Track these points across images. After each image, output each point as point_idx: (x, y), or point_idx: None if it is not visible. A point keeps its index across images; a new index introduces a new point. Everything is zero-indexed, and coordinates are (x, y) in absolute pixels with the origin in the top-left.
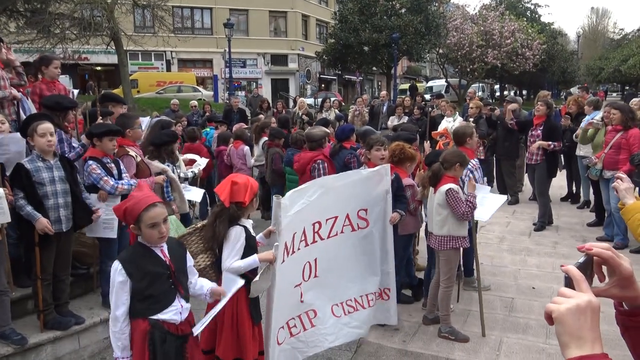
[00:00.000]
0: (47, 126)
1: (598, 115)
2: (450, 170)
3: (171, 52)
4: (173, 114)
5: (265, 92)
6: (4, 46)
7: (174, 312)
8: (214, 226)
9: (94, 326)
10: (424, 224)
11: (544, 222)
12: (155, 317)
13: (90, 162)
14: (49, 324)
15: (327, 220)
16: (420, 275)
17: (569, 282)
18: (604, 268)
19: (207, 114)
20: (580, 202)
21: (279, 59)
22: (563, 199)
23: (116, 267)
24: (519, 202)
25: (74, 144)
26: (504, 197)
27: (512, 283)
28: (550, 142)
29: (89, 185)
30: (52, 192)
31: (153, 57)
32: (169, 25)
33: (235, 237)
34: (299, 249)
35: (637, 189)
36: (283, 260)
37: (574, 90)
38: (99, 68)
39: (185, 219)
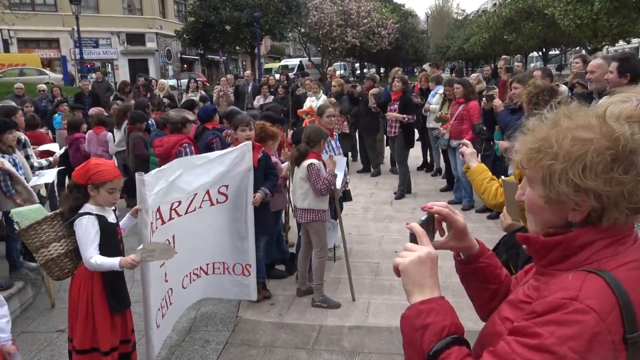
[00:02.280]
0: None
1: (440, 90)
2: (315, 146)
3: (8, 30)
4: (18, 100)
5: (123, 73)
6: None
7: None
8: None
9: None
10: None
11: (404, 190)
12: None
13: None
14: None
15: (187, 197)
16: (293, 250)
17: (413, 238)
18: (444, 224)
19: (58, 98)
20: (433, 170)
21: (136, 38)
22: (419, 168)
23: None
24: (381, 174)
25: None
26: (344, 159)
27: (377, 249)
28: (404, 115)
29: None
30: None
31: None
32: (3, 0)
33: (86, 227)
34: (157, 227)
35: (479, 154)
36: (150, 241)
37: (426, 67)
38: None
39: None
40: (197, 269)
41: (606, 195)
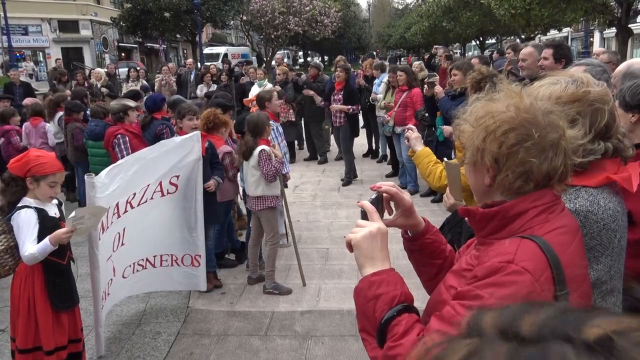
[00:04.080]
0: None
1: (385, 79)
2: (262, 134)
3: None
4: None
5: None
6: None
7: None
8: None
9: None
10: (241, 190)
11: (350, 177)
12: None
13: None
14: None
15: (140, 189)
16: (242, 239)
17: (364, 215)
18: (392, 204)
19: None
20: (379, 156)
21: (69, 26)
22: (365, 155)
23: None
24: (328, 161)
25: None
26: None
27: (326, 235)
28: (349, 107)
29: None
30: None
31: None
32: None
33: (23, 222)
34: (112, 222)
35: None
36: (99, 239)
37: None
38: None
39: None
40: (142, 259)
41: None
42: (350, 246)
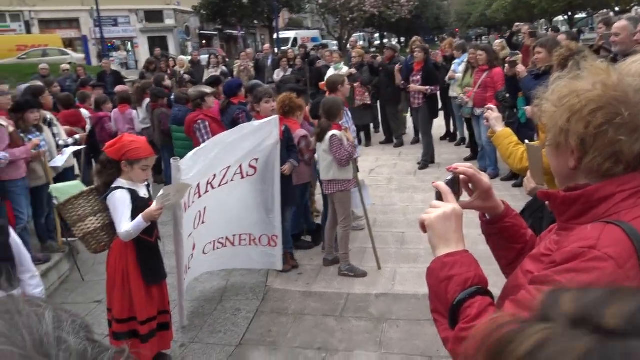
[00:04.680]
0: None
1: (466, 59)
2: (336, 118)
3: (29, 11)
4: (43, 80)
5: (143, 51)
6: None
7: None
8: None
9: None
10: None
11: (427, 160)
12: None
13: None
14: None
15: (220, 171)
16: (318, 221)
17: (439, 196)
18: (470, 186)
19: (81, 77)
20: (457, 139)
21: (154, 16)
22: (442, 138)
23: None
24: (404, 145)
25: None
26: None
27: (402, 219)
28: (427, 87)
29: None
30: None
31: (9, 19)
32: None
33: (118, 202)
34: (193, 201)
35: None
36: (182, 216)
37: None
38: None
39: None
40: (222, 238)
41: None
42: (423, 227)
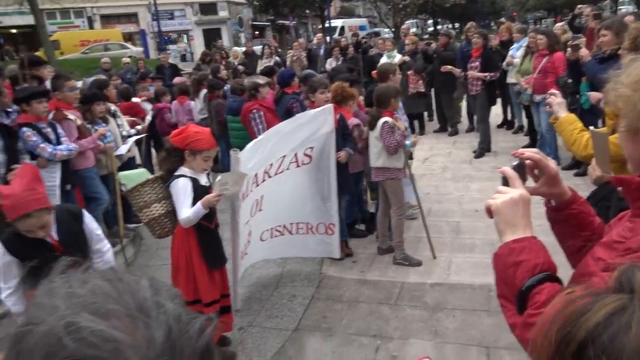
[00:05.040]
0: None
1: (525, 43)
2: (387, 106)
3: (92, 8)
4: (106, 73)
5: (198, 43)
6: None
7: None
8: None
9: None
10: None
11: (484, 148)
12: None
13: (25, 129)
14: None
15: (277, 160)
16: (372, 209)
17: (505, 182)
18: (536, 172)
19: (142, 70)
20: (514, 127)
21: (209, 8)
22: (499, 126)
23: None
24: (458, 133)
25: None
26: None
27: (457, 208)
28: (487, 74)
29: (29, 152)
30: None
31: (72, 15)
32: None
33: (181, 189)
34: (251, 190)
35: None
36: (240, 205)
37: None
38: (14, 31)
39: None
40: (280, 226)
41: None
42: (489, 212)
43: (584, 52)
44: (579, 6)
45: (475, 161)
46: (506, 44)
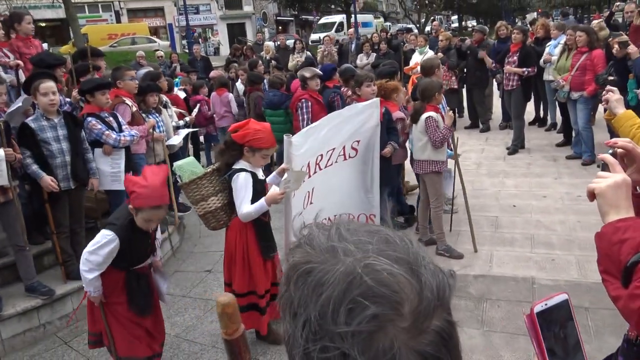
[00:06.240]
0: (49, 85)
1: (563, 40)
2: (431, 100)
3: (119, 2)
4: (140, 67)
5: (222, 38)
6: None
7: (144, 263)
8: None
9: None
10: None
11: (517, 145)
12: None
13: (90, 118)
14: (71, 274)
15: (326, 152)
16: (411, 202)
17: (605, 167)
18: (625, 161)
19: (175, 64)
20: (547, 125)
21: (233, 3)
22: (531, 123)
23: (111, 238)
24: (490, 130)
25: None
26: None
27: (494, 203)
28: (524, 69)
29: (92, 141)
30: (58, 151)
31: (100, 9)
32: None
33: (242, 184)
34: (304, 181)
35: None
36: (293, 195)
37: (530, 17)
38: (43, 24)
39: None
40: (326, 219)
41: None
42: (592, 195)
43: (632, 49)
44: (618, 3)
45: (509, 157)
46: (540, 41)
